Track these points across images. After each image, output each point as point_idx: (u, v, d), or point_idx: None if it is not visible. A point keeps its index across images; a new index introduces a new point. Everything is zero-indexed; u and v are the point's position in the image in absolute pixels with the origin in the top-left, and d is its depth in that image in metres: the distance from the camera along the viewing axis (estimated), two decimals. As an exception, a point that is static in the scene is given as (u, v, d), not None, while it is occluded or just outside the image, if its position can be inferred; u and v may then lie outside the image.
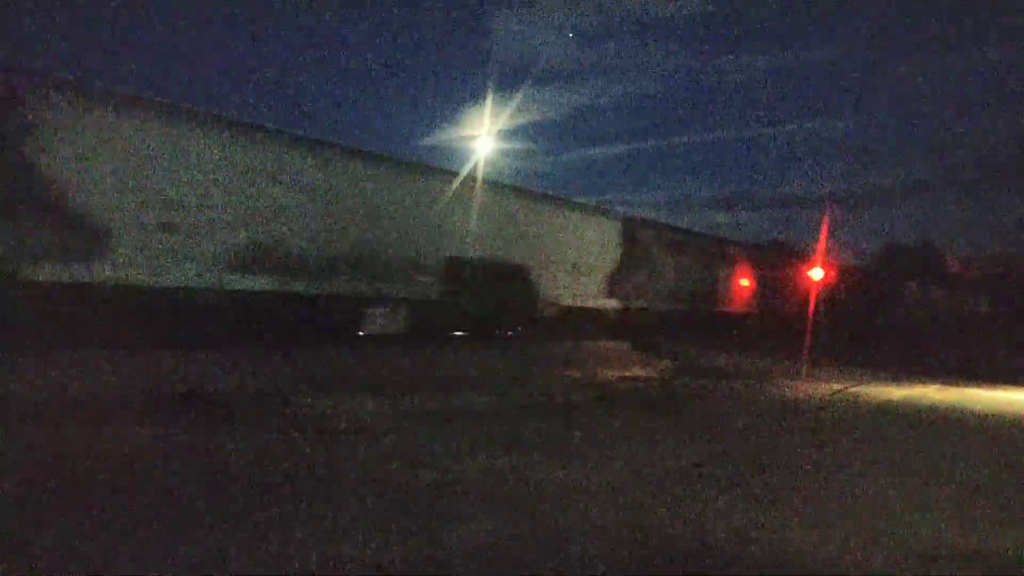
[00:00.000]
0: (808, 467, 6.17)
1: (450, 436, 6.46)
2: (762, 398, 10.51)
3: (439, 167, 15.55)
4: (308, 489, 4.60)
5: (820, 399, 10.75)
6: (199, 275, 10.96)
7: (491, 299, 15.91)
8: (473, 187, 15.45)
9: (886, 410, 10.10)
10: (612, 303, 19.65)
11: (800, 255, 29.84)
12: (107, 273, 9.99)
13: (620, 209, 22.45)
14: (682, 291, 23.06)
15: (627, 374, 12.34)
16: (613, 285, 19.75)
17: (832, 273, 26.43)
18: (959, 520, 4.78)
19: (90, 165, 9.91)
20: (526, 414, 7.97)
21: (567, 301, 17.99)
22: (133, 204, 10.32)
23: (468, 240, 15.20)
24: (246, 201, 11.65)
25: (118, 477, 4.64)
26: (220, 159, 11.37)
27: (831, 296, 26.16)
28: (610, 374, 12.15)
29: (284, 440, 5.89)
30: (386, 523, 4.02)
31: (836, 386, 12.37)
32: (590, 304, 18.80)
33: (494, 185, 16.33)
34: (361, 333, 13.52)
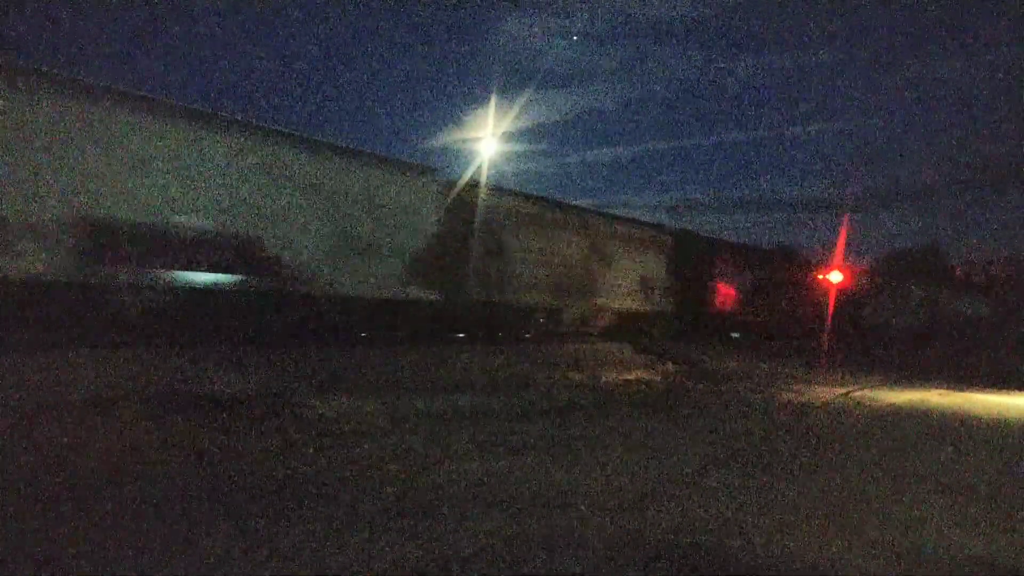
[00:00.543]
0: (811, 471, 6.16)
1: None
2: (765, 402, 10.50)
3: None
4: (314, 490, 4.62)
5: (824, 403, 10.74)
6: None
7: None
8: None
9: (890, 414, 10.09)
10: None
11: (805, 259, 29.79)
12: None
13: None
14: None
15: (630, 377, 12.34)
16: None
17: (841, 277, 26.45)
18: (963, 525, 4.78)
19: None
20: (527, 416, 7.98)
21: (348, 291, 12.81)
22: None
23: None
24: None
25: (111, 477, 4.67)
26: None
27: (836, 300, 26.14)
28: (614, 376, 12.15)
29: (286, 440, 5.91)
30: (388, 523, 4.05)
31: (840, 390, 12.37)
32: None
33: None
34: (364, 334, 13.47)
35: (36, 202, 9.07)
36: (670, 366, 14.53)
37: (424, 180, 14.07)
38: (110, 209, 9.75)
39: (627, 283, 19.72)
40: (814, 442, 7.57)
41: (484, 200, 15.16)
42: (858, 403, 11.04)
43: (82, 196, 9.48)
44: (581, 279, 18.05)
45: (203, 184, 10.75)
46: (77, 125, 9.43)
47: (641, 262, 20.25)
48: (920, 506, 5.22)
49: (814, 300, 26.97)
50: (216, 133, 10.97)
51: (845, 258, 27.36)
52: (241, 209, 11.18)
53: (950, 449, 7.65)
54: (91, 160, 9.57)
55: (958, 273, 49.43)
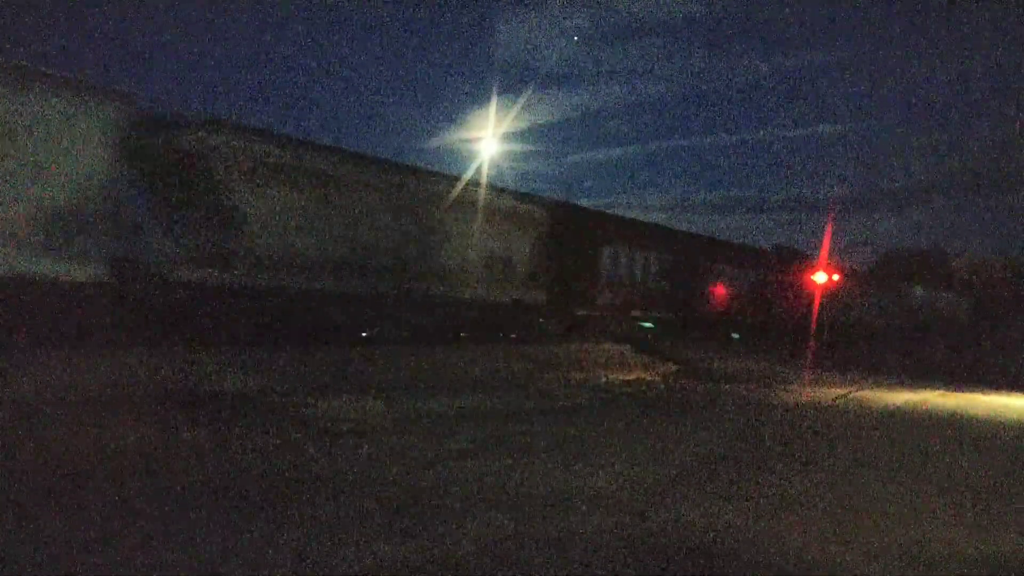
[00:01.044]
0: (811, 470, 6.15)
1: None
2: (766, 402, 10.50)
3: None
4: (313, 488, 4.60)
5: (824, 403, 10.74)
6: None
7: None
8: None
9: (890, 415, 10.09)
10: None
11: (804, 259, 29.74)
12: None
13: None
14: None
15: (630, 377, 12.33)
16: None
17: (835, 278, 26.39)
18: (963, 523, 4.77)
19: None
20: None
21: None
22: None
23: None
24: None
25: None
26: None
27: (834, 300, 26.08)
28: (615, 377, 12.14)
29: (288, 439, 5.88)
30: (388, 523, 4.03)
31: (839, 390, 12.37)
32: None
33: None
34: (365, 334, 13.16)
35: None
36: (671, 366, 14.50)
37: (85, 104, 9.68)
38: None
39: (466, 265, 15.05)
40: (817, 442, 7.56)
41: (191, 141, 10.96)
42: (859, 403, 11.03)
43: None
44: (384, 255, 13.59)
45: None
46: None
47: (493, 239, 15.65)
48: (922, 505, 5.21)
49: (803, 301, 26.22)
50: None
51: (831, 258, 26.99)
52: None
53: (952, 449, 7.65)
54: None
55: (951, 274, 49.52)
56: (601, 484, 5.16)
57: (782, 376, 14.35)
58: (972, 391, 13.88)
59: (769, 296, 25.53)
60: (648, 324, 20.94)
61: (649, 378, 12.50)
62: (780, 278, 26.16)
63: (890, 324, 33.04)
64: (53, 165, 9.30)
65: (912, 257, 50.71)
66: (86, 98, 9.64)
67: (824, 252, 25.44)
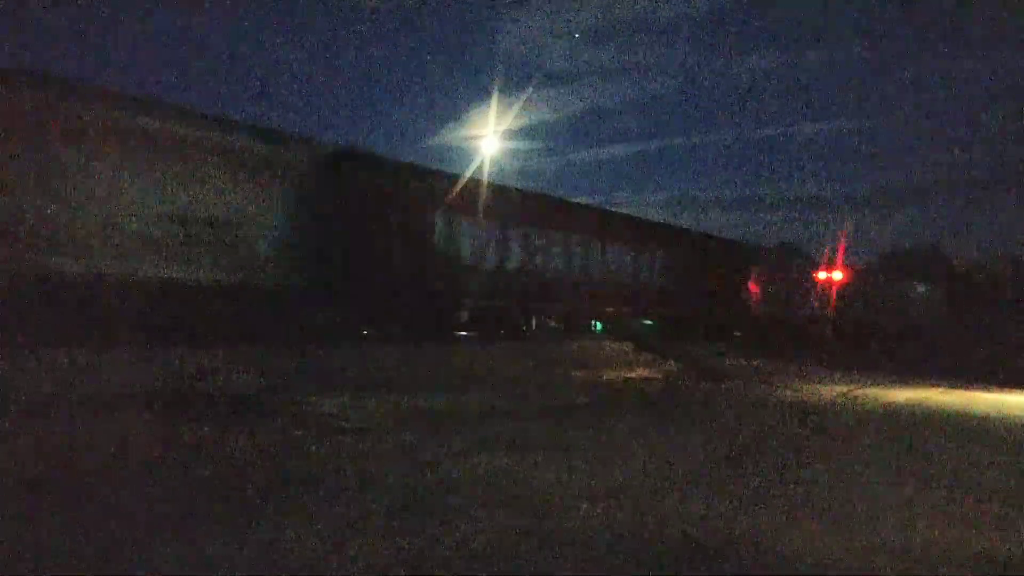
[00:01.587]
0: (813, 469, 6.13)
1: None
2: (767, 400, 10.48)
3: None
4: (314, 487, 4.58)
5: (826, 401, 10.72)
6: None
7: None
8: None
9: (892, 412, 10.06)
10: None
11: (807, 257, 29.73)
12: None
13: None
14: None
15: (632, 375, 12.32)
16: None
17: (841, 276, 26.38)
18: (966, 522, 4.75)
19: None
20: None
21: None
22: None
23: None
24: None
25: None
26: None
27: (837, 298, 26.06)
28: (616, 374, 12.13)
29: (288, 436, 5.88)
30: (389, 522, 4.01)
31: (841, 388, 12.35)
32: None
33: None
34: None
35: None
36: (673, 364, 14.49)
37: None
38: None
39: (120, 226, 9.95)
40: (818, 441, 7.54)
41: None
42: (861, 401, 11.01)
43: None
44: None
45: None
46: None
47: (198, 188, 10.76)
48: (924, 505, 5.19)
49: (803, 300, 26.07)
50: None
51: (836, 257, 27.00)
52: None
53: (955, 447, 7.62)
54: None
55: (952, 272, 49.50)
56: (619, 480, 5.13)
57: (784, 373, 14.33)
58: (974, 389, 13.86)
59: (769, 295, 25.59)
60: (649, 322, 20.88)
61: (650, 376, 12.50)
62: (784, 276, 26.25)
63: (890, 322, 33.01)
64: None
65: (913, 255, 50.73)
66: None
67: (840, 252, 25.54)
